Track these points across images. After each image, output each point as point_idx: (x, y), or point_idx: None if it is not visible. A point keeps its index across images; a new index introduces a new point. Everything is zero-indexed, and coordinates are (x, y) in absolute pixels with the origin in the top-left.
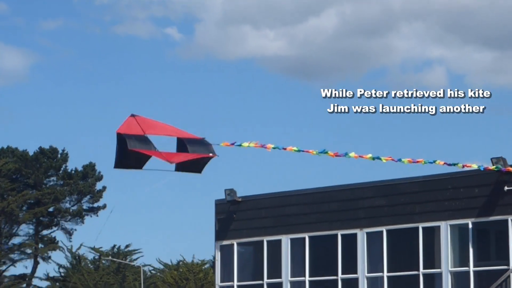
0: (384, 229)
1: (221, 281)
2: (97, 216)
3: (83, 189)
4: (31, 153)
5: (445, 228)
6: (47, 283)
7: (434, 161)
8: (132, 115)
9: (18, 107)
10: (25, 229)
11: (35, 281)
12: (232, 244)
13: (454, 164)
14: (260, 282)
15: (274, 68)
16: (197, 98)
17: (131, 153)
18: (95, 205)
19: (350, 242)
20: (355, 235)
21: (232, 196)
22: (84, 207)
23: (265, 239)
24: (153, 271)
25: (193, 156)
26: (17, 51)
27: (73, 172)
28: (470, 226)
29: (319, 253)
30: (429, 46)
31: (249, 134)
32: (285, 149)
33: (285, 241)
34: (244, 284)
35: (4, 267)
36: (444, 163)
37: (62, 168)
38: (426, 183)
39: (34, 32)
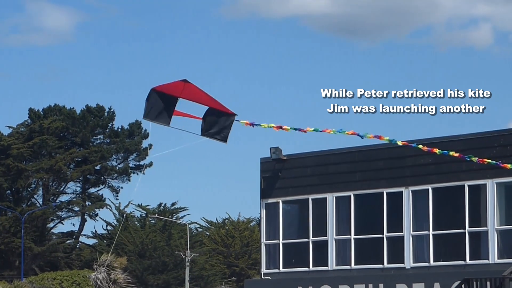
0: (429, 187)
1: (267, 239)
2: (144, 174)
3: (129, 147)
4: (78, 112)
5: (491, 186)
6: (94, 240)
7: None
8: (185, 80)
9: (65, 66)
10: (73, 187)
11: (82, 239)
12: (278, 202)
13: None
14: (306, 240)
15: (318, 26)
16: (241, 56)
17: (159, 100)
18: (141, 163)
19: (395, 200)
20: (400, 193)
21: (278, 155)
22: (131, 165)
23: (311, 197)
24: (199, 229)
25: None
26: (62, 10)
27: (119, 130)
28: None
29: (364, 211)
30: (475, 3)
31: (293, 93)
32: (303, 130)
33: (331, 199)
34: (290, 242)
35: (52, 224)
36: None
37: (108, 126)
38: (472, 141)
39: None
